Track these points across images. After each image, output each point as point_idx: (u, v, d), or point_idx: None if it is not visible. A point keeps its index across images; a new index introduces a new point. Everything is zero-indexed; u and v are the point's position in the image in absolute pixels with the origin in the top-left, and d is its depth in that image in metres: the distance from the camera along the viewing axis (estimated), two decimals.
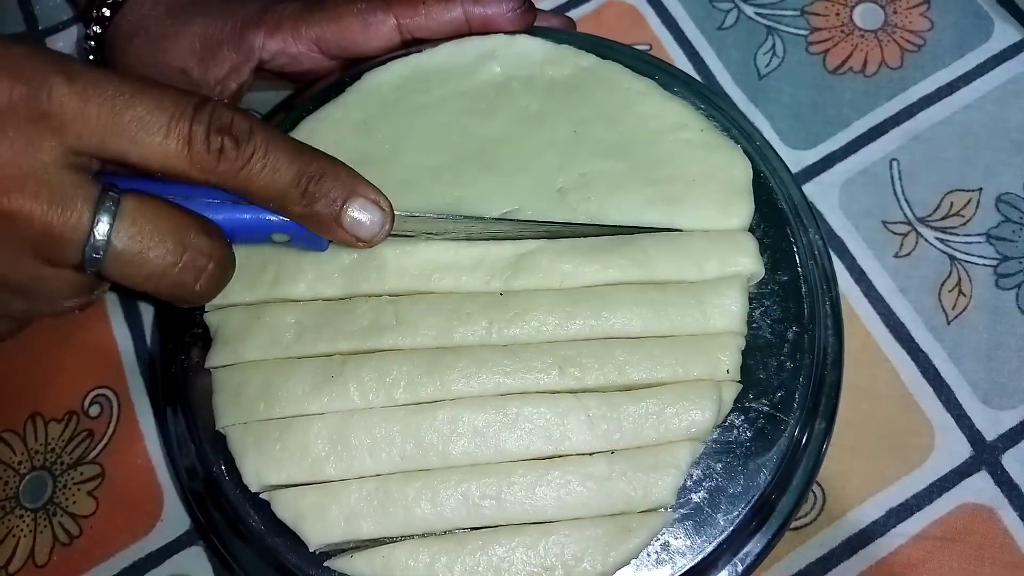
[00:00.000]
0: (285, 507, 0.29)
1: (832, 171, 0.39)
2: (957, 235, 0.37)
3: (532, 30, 0.37)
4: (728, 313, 0.31)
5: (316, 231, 0.30)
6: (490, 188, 0.33)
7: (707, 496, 0.30)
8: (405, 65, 0.36)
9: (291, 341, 0.31)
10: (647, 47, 0.42)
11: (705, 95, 0.36)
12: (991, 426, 0.34)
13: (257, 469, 0.30)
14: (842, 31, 0.41)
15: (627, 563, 0.29)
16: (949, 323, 0.36)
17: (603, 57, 0.36)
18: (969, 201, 0.38)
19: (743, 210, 0.33)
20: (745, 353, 0.31)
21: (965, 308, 0.36)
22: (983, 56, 0.40)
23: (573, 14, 0.43)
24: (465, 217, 0.32)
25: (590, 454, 0.29)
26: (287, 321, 0.32)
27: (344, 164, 0.29)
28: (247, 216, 0.29)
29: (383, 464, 0.29)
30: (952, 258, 0.37)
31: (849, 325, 0.35)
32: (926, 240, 0.37)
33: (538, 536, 0.29)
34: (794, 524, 0.33)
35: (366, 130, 0.35)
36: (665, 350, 0.31)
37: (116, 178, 0.28)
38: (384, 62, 0.36)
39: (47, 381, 0.38)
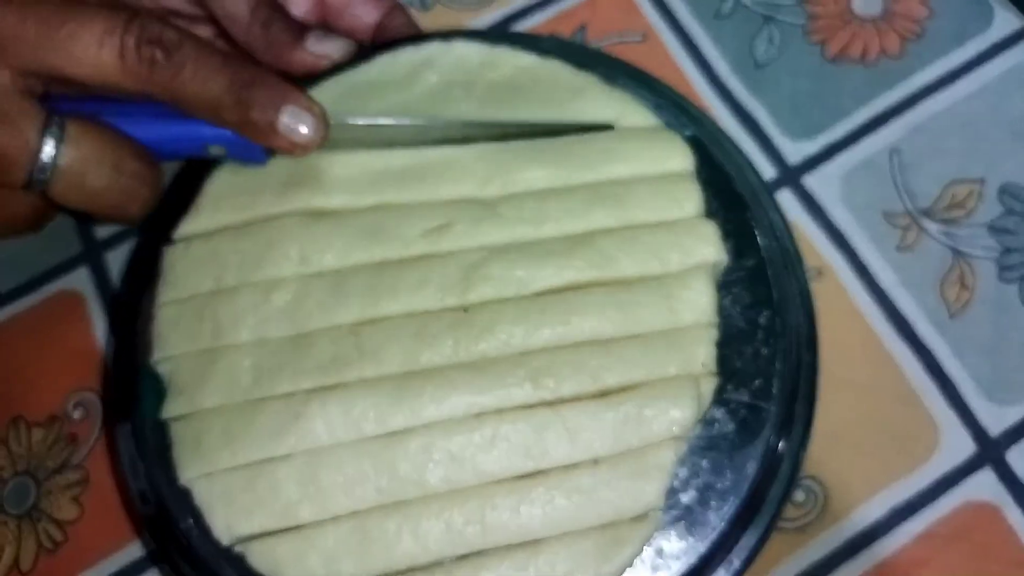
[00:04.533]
0: (261, 558, 0.28)
1: (833, 162, 0.38)
2: (959, 227, 0.36)
3: (469, 34, 0.36)
4: (697, 305, 0.31)
5: (252, 138, 0.30)
6: (416, 204, 0.32)
7: (696, 495, 0.29)
8: (337, 84, 0.35)
9: (250, 384, 0.30)
10: (639, 38, 0.41)
11: (652, 85, 0.35)
12: (995, 422, 0.33)
13: (228, 521, 0.29)
14: (841, 19, 0.41)
15: (621, 574, 0.28)
16: (952, 317, 0.35)
17: (544, 54, 0.35)
18: (971, 192, 0.37)
19: (691, 196, 0.32)
20: (719, 344, 0.30)
21: (968, 302, 0.35)
22: (984, 44, 0.40)
23: (566, 4, 0.42)
24: (406, 124, 0.33)
25: (573, 466, 0.29)
26: (243, 364, 0.30)
27: (274, 75, 0.30)
28: (183, 128, 0.30)
29: (359, 501, 0.28)
30: (954, 251, 0.36)
31: (850, 320, 0.35)
32: (928, 233, 0.36)
33: (527, 556, 0.28)
34: (796, 524, 0.33)
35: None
36: (638, 351, 0.30)
37: (59, 103, 0.29)
38: (316, 82, 0.34)
39: (29, 385, 0.37)
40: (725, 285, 0.32)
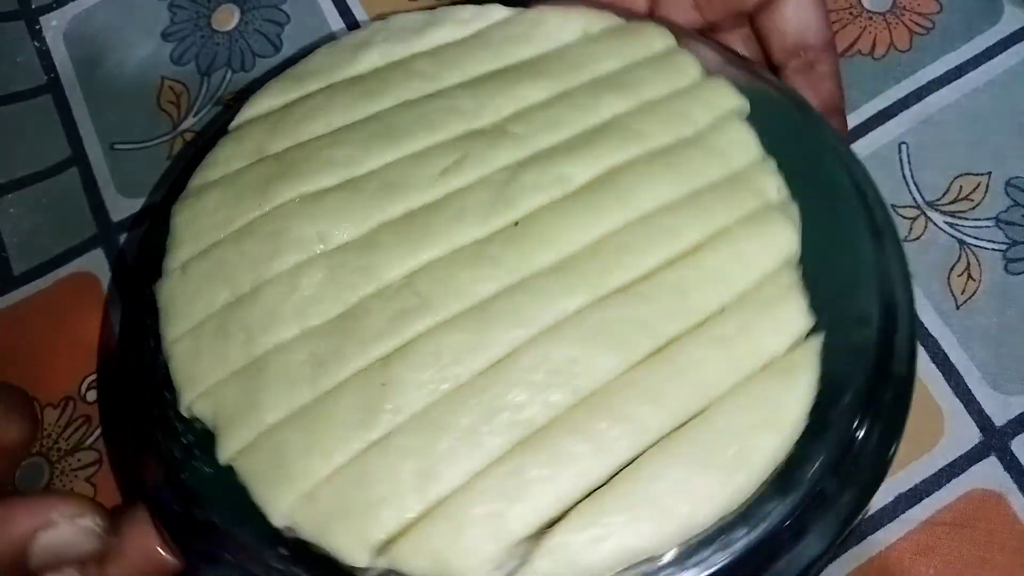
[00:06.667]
0: (417, 557, 0.24)
1: None
2: (966, 219, 0.37)
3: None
4: (743, 145, 0.31)
5: None
6: (418, 152, 0.31)
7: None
8: (279, 82, 0.34)
9: (311, 376, 0.27)
10: None
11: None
12: (1001, 411, 0.34)
13: (356, 537, 0.24)
14: (850, 13, 0.41)
15: (809, 397, 0.26)
16: (958, 308, 0.35)
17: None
18: (978, 185, 0.37)
19: (690, 63, 0.33)
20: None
21: (974, 293, 0.36)
22: (992, 39, 0.40)
23: None
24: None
25: (698, 325, 0.27)
26: (296, 360, 0.27)
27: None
28: None
29: (490, 451, 0.25)
30: (961, 243, 0.36)
31: None
32: (935, 224, 0.37)
33: (706, 418, 0.26)
34: None
35: (263, 152, 0.32)
36: (707, 204, 0.29)
37: None
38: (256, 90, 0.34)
39: (43, 366, 0.37)
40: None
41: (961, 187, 0.37)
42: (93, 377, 0.37)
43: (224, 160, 0.32)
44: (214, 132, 0.35)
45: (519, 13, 0.36)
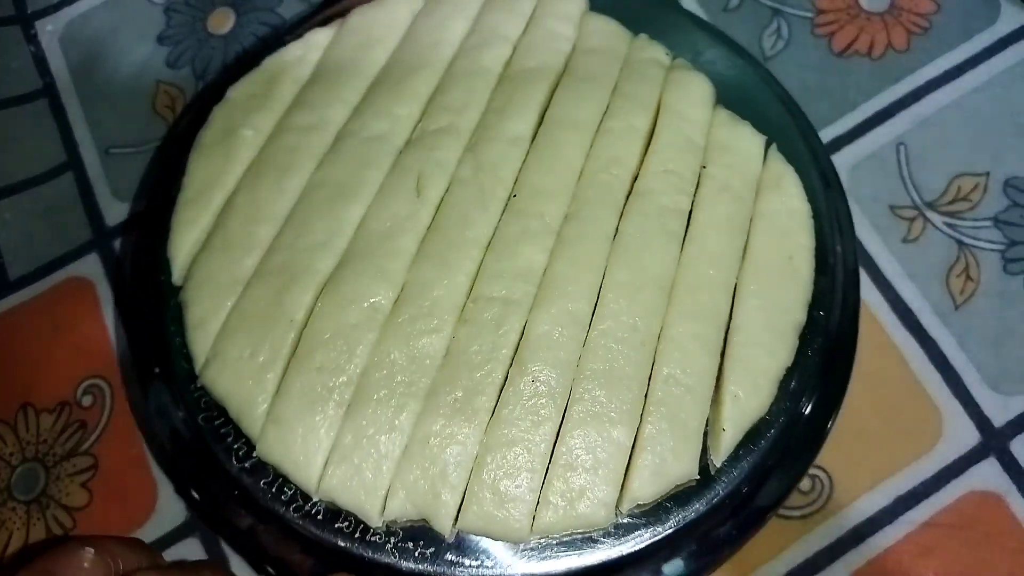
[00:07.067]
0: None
1: (840, 155, 0.38)
2: (965, 220, 0.37)
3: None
4: (610, 30, 0.36)
5: None
6: (380, 192, 0.32)
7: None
8: (182, 212, 0.34)
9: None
10: None
11: None
12: (999, 412, 0.34)
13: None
14: (848, 13, 0.41)
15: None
16: (957, 308, 0.35)
17: None
18: (977, 185, 0.37)
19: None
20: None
21: (973, 293, 0.35)
22: (990, 39, 0.40)
23: None
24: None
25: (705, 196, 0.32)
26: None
27: None
28: None
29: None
30: (960, 243, 0.36)
31: None
32: (934, 225, 0.37)
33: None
34: (801, 512, 0.33)
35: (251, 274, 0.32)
36: (632, 93, 0.34)
37: None
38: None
39: (38, 371, 0.37)
40: None
41: (960, 187, 0.37)
42: (89, 382, 0.37)
43: (211, 311, 0.31)
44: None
45: (342, 25, 0.37)
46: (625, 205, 0.32)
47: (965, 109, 0.38)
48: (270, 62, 0.36)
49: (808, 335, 0.31)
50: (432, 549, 0.28)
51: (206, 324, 0.31)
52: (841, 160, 0.38)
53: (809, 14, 0.41)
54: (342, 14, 0.37)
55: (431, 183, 0.32)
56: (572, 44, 0.36)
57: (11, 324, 0.38)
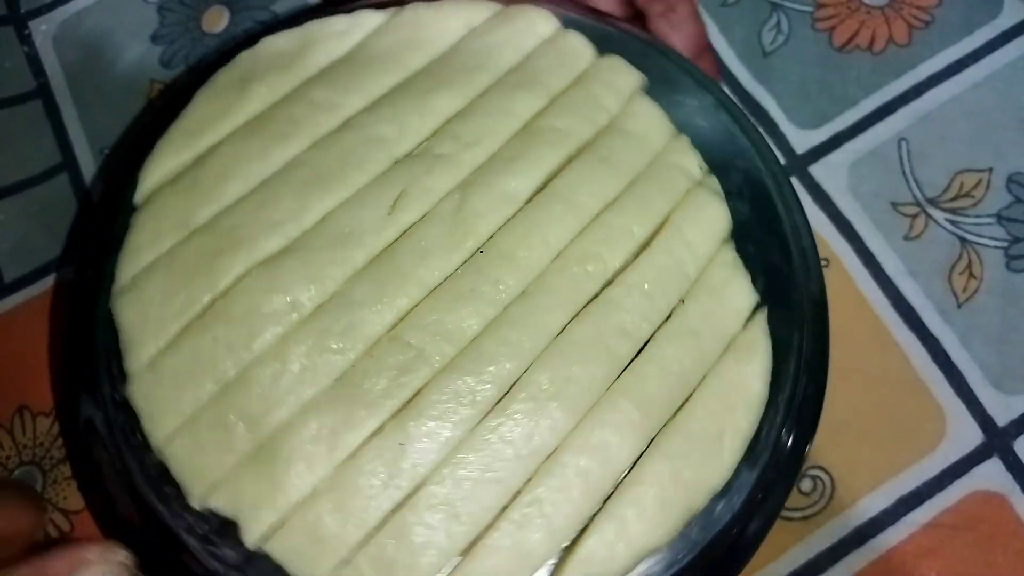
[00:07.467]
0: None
1: (840, 151, 0.38)
2: (967, 216, 0.36)
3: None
4: (654, 125, 0.33)
5: None
6: (356, 194, 0.31)
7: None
8: (170, 141, 0.33)
9: (330, 449, 0.27)
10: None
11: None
12: (1003, 411, 0.33)
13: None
14: (848, 7, 0.40)
15: (768, 370, 0.30)
16: (960, 307, 0.35)
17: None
18: (979, 182, 0.37)
19: (581, 43, 0.34)
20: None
21: (976, 291, 0.35)
22: (992, 33, 0.39)
23: None
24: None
25: (669, 319, 0.30)
26: (308, 435, 0.28)
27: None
28: None
29: (511, 486, 0.27)
30: (962, 240, 0.36)
31: (858, 309, 0.35)
32: (936, 222, 0.36)
33: (691, 419, 0.29)
34: (802, 513, 0.32)
35: (190, 225, 0.31)
36: (641, 190, 0.31)
37: None
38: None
39: (34, 374, 0.37)
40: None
41: (962, 184, 0.37)
42: None
43: (149, 241, 0.31)
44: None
45: (394, 15, 0.35)
46: (585, 307, 0.29)
47: (967, 104, 0.38)
48: (313, 27, 0.35)
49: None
50: (231, 553, 0.27)
51: (140, 253, 0.31)
52: (841, 157, 0.38)
53: (809, 8, 0.41)
54: (400, 2, 0.36)
55: (409, 206, 0.30)
56: (610, 119, 0.33)
57: (7, 326, 0.38)
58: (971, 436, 0.33)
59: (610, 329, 0.29)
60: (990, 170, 0.37)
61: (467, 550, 0.27)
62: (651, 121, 0.33)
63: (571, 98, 0.33)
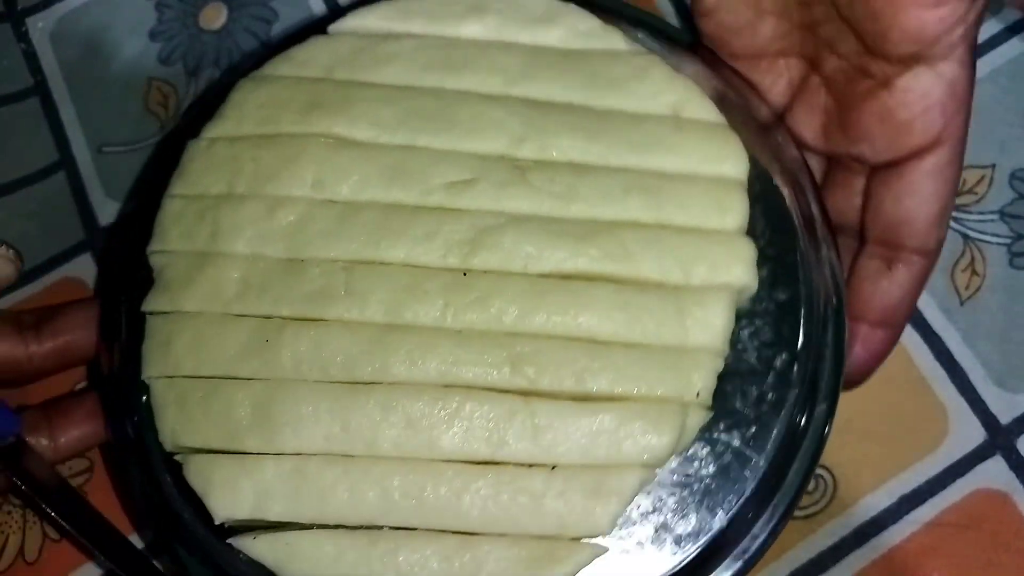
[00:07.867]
0: (197, 474, 0.27)
1: None
2: (970, 213, 0.36)
3: None
4: (710, 328, 0.28)
5: None
6: (438, 152, 0.31)
7: (652, 533, 0.27)
8: (389, 6, 0.33)
9: (232, 298, 0.29)
10: None
11: (722, 72, 0.33)
12: (1006, 409, 0.33)
13: (174, 427, 0.28)
14: None
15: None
16: (962, 304, 0.35)
17: (608, 19, 0.33)
18: (982, 178, 0.37)
19: (737, 208, 0.29)
20: (722, 377, 0.28)
21: (979, 288, 0.35)
22: (995, 28, 0.39)
23: None
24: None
25: (528, 466, 0.27)
26: (231, 276, 0.29)
27: None
28: None
29: (305, 443, 0.27)
30: (965, 237, 0.36)
31: None
32: None
33: (456, 548, 0.26)
34: (805, 512, 0.32)
35: (331, 73, 0.32)
36: (632, 361, 0.27)
37: None
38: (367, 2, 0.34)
39: None
40: (748, 315, 0.29)
41: (965, 180, 0.37)
42: (83, 384, 0.37)
43: (302, 61, 0.33)
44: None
45: (632, 54, 0.33)
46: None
47: None
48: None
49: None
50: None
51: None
52: None
53: None
54: None
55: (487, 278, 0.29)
56: (685, 283, 0.29)
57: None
58: (974, 434, 0.33)
59: (476, 422, 0.27)
60: (993, 166, 0.37)
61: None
62: (711, 321, 0.28)
63: (671, 237, 0.29)
